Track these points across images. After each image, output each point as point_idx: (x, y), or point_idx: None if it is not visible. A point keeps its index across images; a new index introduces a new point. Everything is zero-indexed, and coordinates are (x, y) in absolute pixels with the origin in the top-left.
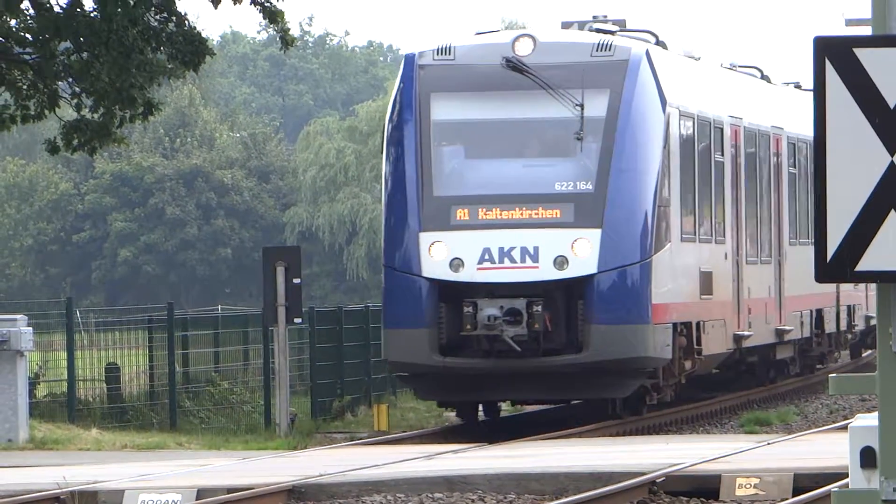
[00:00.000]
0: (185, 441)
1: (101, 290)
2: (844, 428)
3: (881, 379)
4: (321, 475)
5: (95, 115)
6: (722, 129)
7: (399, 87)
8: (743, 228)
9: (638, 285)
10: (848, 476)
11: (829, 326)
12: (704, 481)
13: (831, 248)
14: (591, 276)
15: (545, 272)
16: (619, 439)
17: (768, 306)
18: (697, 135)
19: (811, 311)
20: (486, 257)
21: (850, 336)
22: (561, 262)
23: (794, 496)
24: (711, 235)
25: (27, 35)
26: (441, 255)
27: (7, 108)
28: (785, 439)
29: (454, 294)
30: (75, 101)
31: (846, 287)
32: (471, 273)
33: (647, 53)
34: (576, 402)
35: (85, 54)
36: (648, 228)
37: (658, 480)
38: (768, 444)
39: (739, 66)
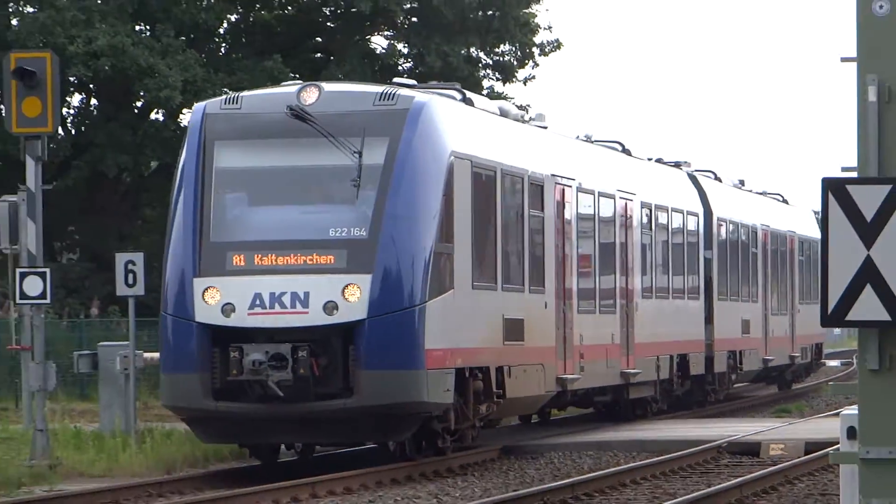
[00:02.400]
0: None
1: None
2: (837, 415)
3: (860, 385)
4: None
5: None
6: (542, 187)
7: (187, 136)
8: (574, 281)
9: (408, 331)
10: (839, 443)
11: (697, 369)
12: (751, 446)
13: (831, 306)
14: (361, 321)
15: (315, 318)
16: (699, 420)
17: (610, 352)
18: (502, 188)
19: (671, 357)
20: (258, 302)
21: (734, 376)
22: (331, 307)
23: (805, 454)
24: (523, 285)
25: None
26: (214, 300)
27: None
28: (800, 421)
29: (227, 339)
30: None
31: (728, 335)
32: (242, 318)
33: (431, 103)
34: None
35: None
36: (422, 275)
37: (723, 445)
38: (790, 423)
39: (598, 140)
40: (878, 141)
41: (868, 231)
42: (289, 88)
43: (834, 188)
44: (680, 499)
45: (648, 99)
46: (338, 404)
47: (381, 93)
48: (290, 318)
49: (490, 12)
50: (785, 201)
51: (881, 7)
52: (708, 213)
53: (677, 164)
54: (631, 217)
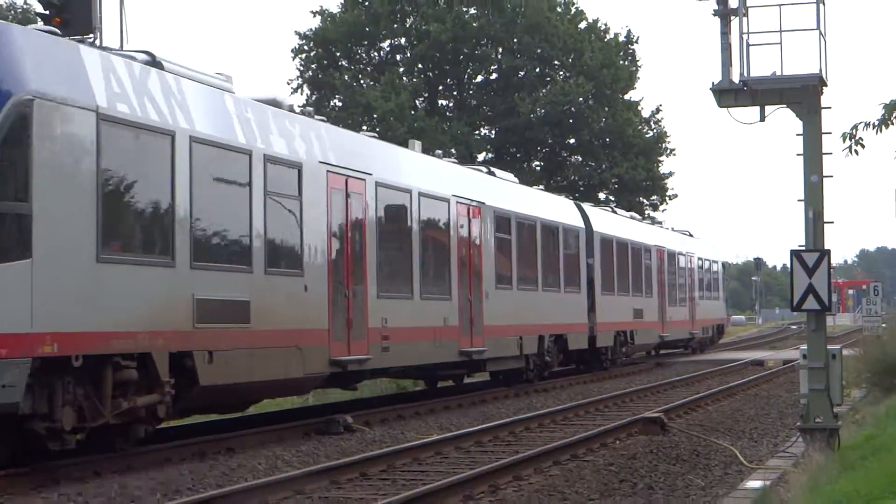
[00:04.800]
0: None
1: None
2: (797, 348)
3: (807, 336)
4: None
5: None
6: (299, 170)
7: None
8: (372, 269)
9: None
10: (798, 359)
11: (579, 345)
12: (760, 361)
13: (795, 302)
14: None
15: None
16: (735, 352)
17: (441, 333)
18: (200, 158)
19: (539, 336)
20: None
21: (624, 349)
22: None
23: (783, 365)
24: (251, 266)
25: None
26: None
27: None
28: (780, 351)
29: None
30: None
31: (614, 319)
32: None
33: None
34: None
35: None
36: None
37: (748, 362)
38: (777, 352)
39: (467, 164)
40: (814, 234)
41: (810, 270)
42: None
43: (796, 253)
44: (733, 383)
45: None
46: None
47: None
48: None
49: (648, 183)
50: (690, 235)
51: (814, 179)
52: (590, 231)
53: (569, 196)
54: (479, 221)
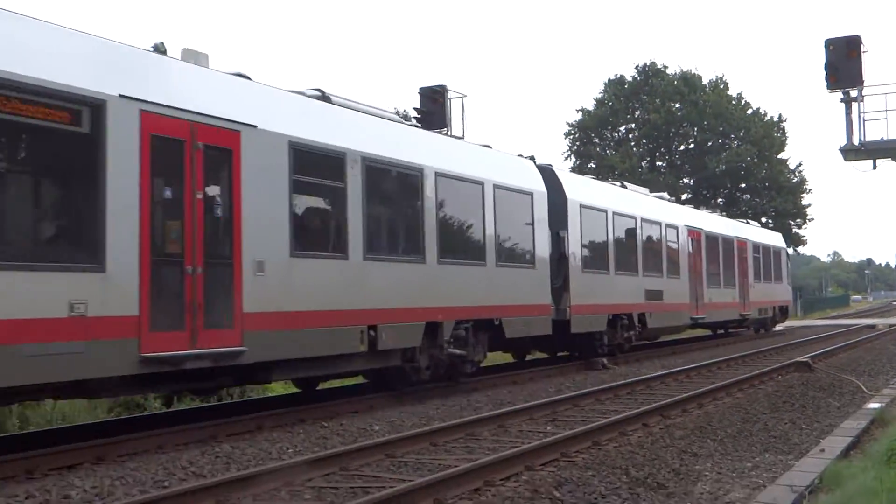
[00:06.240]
0: None
1: None
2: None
3: None
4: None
5: None
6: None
7: None
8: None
9: None
10: None
11: (530, 330)
12: (872, 326)
13: None
14: None
15: None
16: (849, 318)
17: (74, 330)
18: None
19: (427, 324)
20: None
21: (631, 333)
22: None
23: (888, 328)
24: None
25: None
26: None
27: None
28: (889, 318)
29: None
30: None
31: (605, 301)
32: None
33: None
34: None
35: None
36: None
37: (863, 325)
38: (884, 319)
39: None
40: None
41: None
42: None
43: None
44: (855, 339)
45: None
46: None
47: None
48: None
49: (794, 211)
50: (747, 223)
51: None
52: (560, 199)
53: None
54: (228, 154)
